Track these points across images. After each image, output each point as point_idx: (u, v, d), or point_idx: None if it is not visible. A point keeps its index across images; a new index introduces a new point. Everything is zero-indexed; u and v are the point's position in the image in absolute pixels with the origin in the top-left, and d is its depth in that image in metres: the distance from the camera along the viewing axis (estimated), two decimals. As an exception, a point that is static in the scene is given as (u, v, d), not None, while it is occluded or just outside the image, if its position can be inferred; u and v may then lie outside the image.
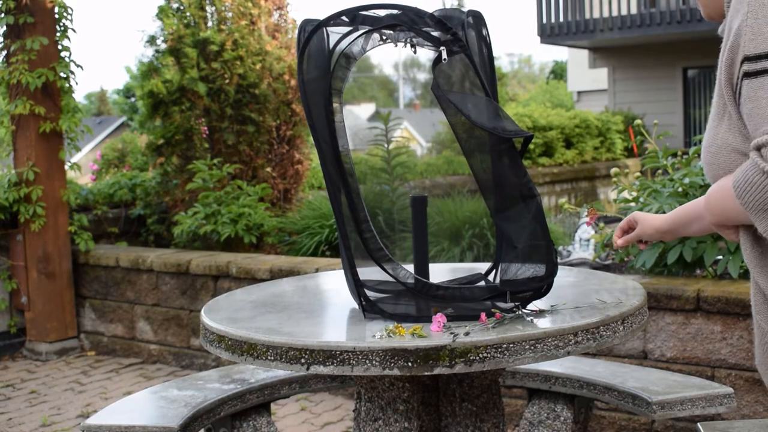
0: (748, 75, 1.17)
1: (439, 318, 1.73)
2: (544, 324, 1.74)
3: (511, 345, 1.64)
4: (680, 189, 3.64)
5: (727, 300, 3.21)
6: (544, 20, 13.97)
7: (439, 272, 2.21)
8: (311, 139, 2.67)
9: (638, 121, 4.27)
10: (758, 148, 1.15)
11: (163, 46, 6.52)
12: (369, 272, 1.89)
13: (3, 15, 5.38)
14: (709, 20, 1.53)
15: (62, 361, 5.43)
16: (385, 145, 5.98)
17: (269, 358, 1.70)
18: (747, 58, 1.17)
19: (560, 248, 4.99)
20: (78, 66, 5.59)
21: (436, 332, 1.70)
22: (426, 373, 1.62)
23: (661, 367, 3.36)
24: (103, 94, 42.86)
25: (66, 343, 5.61)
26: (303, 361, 1.66)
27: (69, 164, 5.71)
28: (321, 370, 1.64)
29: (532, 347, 1.65)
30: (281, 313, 1.99)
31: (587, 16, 13.55)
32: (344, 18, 1.82)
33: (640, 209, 3.60)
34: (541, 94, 30.28)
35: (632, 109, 14.35)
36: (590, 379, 2.55)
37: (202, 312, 2.02)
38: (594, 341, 1.72)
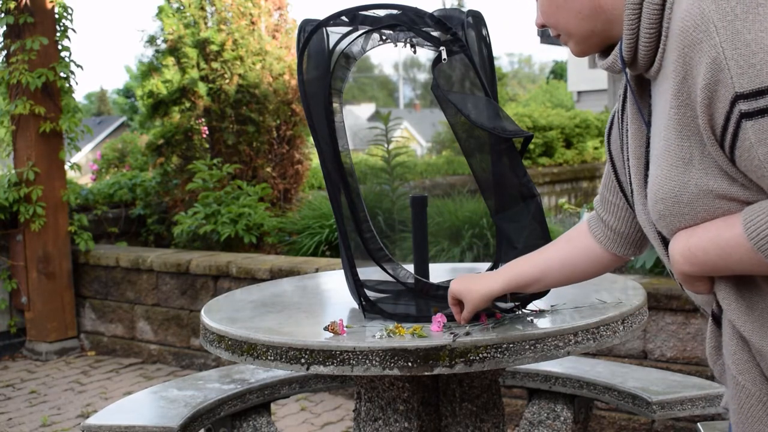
0: (748, 115, 1.01)
1: (439, 318, 1.73)
2: (544, 324, 1.74)
3: (511, 345, 1.64)
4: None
5: (727, 300, 3.20)
6: (544, 20, 13.93)
7: (439, 272, 2.21)
8: (311, 139, 2.67)
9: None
10: None
11: (163, 46, 6.53)
12: (369, 272, 1.89)
13: (3, 15, 5.38)
14: (581, 56, 1.36)
15: (62, 361, 5.43)
16: (385, 145, 5.98)
17: (269, 358, 1.70)
18: (741, 96, 1.01)
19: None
20: (78, 66, 5.59)
21: (436, 332, 1.70)
22: (426, 373, 1.62)
23: (661, 367, 3.36)
24: (103, 94, 42.89)
25: (66, 343, 5.61)
26: (303, 361, 1.66)
27: (69, 164, 5.71)
28: (321, 370, 1.64)
29: (532, 347, 1.65)
30: (281, 313, 1.99)
31: (587, 16, 13.52)
32: (344, 18, 1.81)
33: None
34: (541, 94, 30.29)
35: (632, 109, 14.34)
36: (590, 379, 2.55)
37: (202, 312, 2.02)
38: (594, 341, 1.72)
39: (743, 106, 1.02)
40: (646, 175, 1.25)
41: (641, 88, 1.27)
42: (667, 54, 1.13)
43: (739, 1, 1.03)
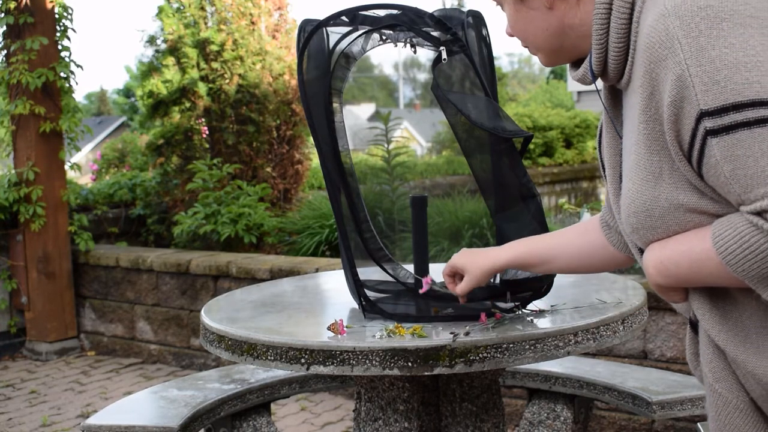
0: (714, 132, 1.01)
1: (428, 280, 1.74)
2: (544, 324, 1.74)
3: (511, 345, 1.64)
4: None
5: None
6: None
7: (439, 272, 2.21)
8: (311, 139, 2.67)
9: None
10: (759, 213, 1.00)
11: (163, 46, 6.52)
12: (369, 272, 1.89)
13: (3, 15, 5.38)
14: (551, 67, 1.39)
15: (62, 361, 5.43)
16: (385, 145, 5.98)
17: (269, 358, 1.70)
18: (706, 113, 1.00)
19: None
20: (78, 66, 5.59)
21: (424, 292, 1.74)
22: (426, 373, 1.62)
23: (661, 367, 3.36)
24: (103, 94, 42.87)
25: (66, 343, 5.61)
26: (303, 361, 1.66)
27: (69, 164, 5.71)
28: (321, 370, 1.64)
29: (532, 347, 1.65)
30: (281, 313, 1.99)
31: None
32: (344, 18, 1.82)
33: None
34: (541, 94, 30.28)
35: (632, 109, 14.36)
36: (590, 379, 2.55)
37: (202, 312, 2.02)
38: (594, 341, 1.72)
39: (708, 124, 1.01)
40: (620, 187, 1.24)
41: (615, 98, 1.27)
42: (635, 68, 1.13)
43: (703, 17, 1.02)
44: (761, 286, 1.03)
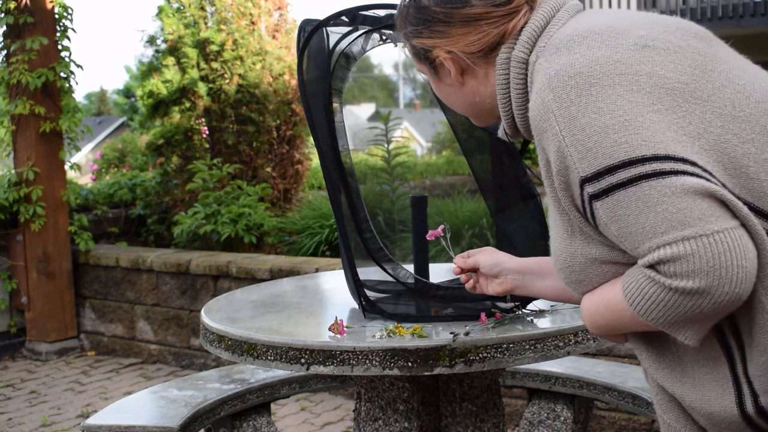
0: (595, 197, 1.04)
1: (435, 232, 1.76)
2: (544, 324, 1.74)
3: (511, 345, 1.64)
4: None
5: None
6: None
7: (439, 272, 2.21)
8: (311, 139, 2.68)
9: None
10: (651, 266, 1.02)
11: (163, 46, 6.53)
12: (369, 272, 1.89)
13: (3, 15, 5.38)
14: (481, 126, 1.43)
15: (62, 361, 5.43)
16: (385, 145, 5.98)
17: (269, 358, 1.70)
18: (586, 180, 1.04)
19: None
20: (78, 66, 5.59)
21: (431, 239, 1.76)
22: (426, 373, 1.62)
23: (661, 367, 3.35)
24: (103, 94, 42.81)
25: (66, 343, 5.61)
26: (303, 361, 1.66)
27: (69, 164, 5.71)
28: (321, 370, 1.65)
29: (532, 347, 1.65)
30: (281, 313, 1.99)
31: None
32: (344, 18, 1.82)
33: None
34: (541, 94, 30.31)
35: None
36: (590, 379, 2.55)
37: (202, 312, 2.02)
38: (594, 341, 1.72)
39: (589, 189, 1.05)
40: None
41: None
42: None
43: (573, 86, 1.06)
44: (674, 331, 1.05)
